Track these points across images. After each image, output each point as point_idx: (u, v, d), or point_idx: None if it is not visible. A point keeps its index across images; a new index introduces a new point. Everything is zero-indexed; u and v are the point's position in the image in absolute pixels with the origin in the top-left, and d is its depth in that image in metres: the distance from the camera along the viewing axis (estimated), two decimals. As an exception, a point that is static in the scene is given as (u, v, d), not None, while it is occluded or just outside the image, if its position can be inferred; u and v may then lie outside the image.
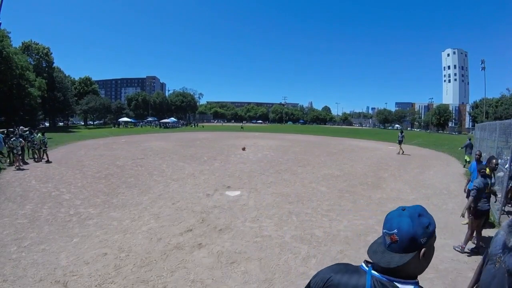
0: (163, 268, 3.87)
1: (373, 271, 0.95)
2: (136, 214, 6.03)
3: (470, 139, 14.33)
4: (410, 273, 0.92)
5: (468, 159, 13.47)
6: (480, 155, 6.31)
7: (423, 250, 0.91)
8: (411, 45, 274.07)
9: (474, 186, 4.52)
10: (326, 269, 1.04)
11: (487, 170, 5.18)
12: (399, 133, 18.91)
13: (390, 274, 0.92)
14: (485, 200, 4.48)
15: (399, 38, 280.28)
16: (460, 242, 4.65)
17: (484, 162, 6.02)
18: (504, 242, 1.73)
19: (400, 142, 18.36)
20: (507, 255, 1.69)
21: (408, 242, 0.91)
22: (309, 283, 1.06)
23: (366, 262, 1.00)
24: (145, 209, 6.38)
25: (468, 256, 4.40)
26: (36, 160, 12.68)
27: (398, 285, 0.90)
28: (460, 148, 15.49)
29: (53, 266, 3.85)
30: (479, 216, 4.54)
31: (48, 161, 12.45)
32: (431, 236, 0.93)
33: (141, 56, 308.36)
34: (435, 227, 0.96)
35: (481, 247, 4.52)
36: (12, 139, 11.51)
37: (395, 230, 0.93)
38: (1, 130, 14.74)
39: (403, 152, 18.00)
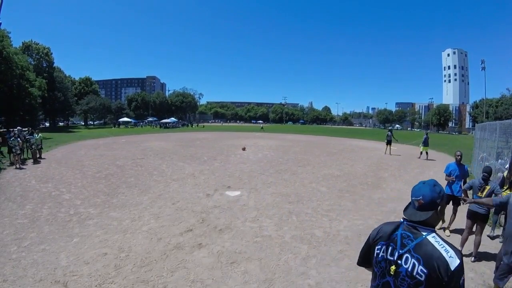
0: (163, 268, 3.87)
1: (405, 222, 1.47)
2: (136, 214, 6.03)
3: (427, 134, 17.13)
4: (430, 224, 1.42)
5: (422, 150, 16.43)
6: (461, 156, 5.78)
7: (438, 208, 1.42)
8: (411, 45, 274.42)
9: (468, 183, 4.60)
10: (380, 224, 1.60)
11: None
12: (388, 133, 18.61)
13: (416, 223, 1.42)
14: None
15: (399, 38, 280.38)
16: (459, 241, 4.65)
17: (466, 166, 5.81)
18: None
19: (388, 142, 18.07)
20: None
21: (429, 204, 1.41)
22: (369, 236, 1.59)
23: (403, 218, 1.50)
24: (145, 209, 6.38)
25: (467, 256, 4.40)
26: (35, 161, 12.61)
27: (419, 229, 1.40)
28: (420, 145, 17.43)
29: (53, 266, 3.85)
30: (468, 216, 4.54)
31: (37, 161, 12.44)
32: (443, 198, 1.44)
33: (141, 56, 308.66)
34: (444, 192, 1.47)
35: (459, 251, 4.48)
36: (11, 139, 11.52)
37: (421, 197, 1.42)
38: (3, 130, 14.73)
39: (390, 152, 17.79)
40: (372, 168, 12.35)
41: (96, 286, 3.42)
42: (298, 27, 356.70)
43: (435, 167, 13.19)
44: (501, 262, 3.22)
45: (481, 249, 4.42)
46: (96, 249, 4.39)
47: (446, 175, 5.82)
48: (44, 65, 47.08)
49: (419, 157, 16.26)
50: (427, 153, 16.30)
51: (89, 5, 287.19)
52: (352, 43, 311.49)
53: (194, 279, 3.61)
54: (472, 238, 4.51)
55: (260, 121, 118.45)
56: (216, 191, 8.00)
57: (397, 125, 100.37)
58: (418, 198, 1.42)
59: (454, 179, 5.56)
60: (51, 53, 48.41)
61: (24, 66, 31.59)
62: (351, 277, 3.72)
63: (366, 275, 3.79)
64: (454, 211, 5.53)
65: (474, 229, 4.55)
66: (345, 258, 4.26)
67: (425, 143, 16.26)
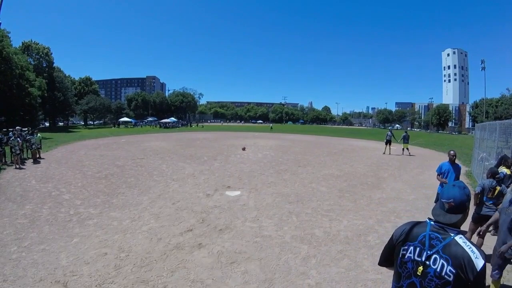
0: (163, 268, 3.87)
1: (432, 222, 1.49)
2: (136, 214, 6.03)
3: (406, 132, 18.82)
4: (456, 224, 1.44)
5: (403, 147, 18.03)
6: (454, 156, 5.53)
7: (467, 210, 1.45)
8: (411, 45, 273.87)
9: (479, 185, 4.45)
10: (403, 224, 1.60)
11: (508, 171, 5.01)
12: (388, 132, 18.58)
13: (444, 224, 1.44)
14: (490, 205, 4.27)
15: (399, 38, 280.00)
16: None
17: (459, 166, 5.62)
18: (510, 199, 2.94)
19: (388, 142, 18.06)
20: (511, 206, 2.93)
21: (460, 206, 1.43)
22: (392, 236, 1.59)
23: (429, 219, 1.53)
24: (145, 209, 6.38)
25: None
26: (35, 161, 12.63)
27: (447, 230, 1.42)
28: (398, 141, 18.91)
29: (53, 266, 3.85)
30: (476, 221, 4.42)
31: (36, 161, 12.51)
32: (470, 200, 1.46)
33: (141, 56, 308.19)
34: (470, 193, 1.51)
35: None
36: (11, 138, 11.57)
37: (452, 200, 1.44)
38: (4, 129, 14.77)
39: (389, 152, 17.80)
40: (372, 168, 12.35)
41: (96, 286, 3.42)
42: (298, 27, 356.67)
43: (435, 167, 13.17)
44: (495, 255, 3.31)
45: (483, 249, 4.41)
46: (96, 249, 4.39)
47: (438, 174, 5.60)
48: (44, 65, 47.00)
49: (402, 153, 17.63)
50: (408, 149, 17.92)
51: (89, 5, 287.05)
52: (352, 43, 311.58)
53: (194, 279, 3.61)
54: (472, 238, 4.51)
55: (260, 121, 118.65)
56: (216, 191, 8.00)
57: (397, 125, 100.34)
58: (449, 201, 1.45)
59: (447, 181, 5.28)
60: (51, 53, 48.37)
61: (24, 66, 31.54)
62: (351, 277, 3.72)
63: (366, 275, 3.79)
64: None
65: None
66: (345, 258, 4.26)
67: (405, 140, 17.88)
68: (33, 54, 45.64)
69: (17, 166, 11.06)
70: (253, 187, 8.58)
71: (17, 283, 3.44)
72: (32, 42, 46.20)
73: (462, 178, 10.79)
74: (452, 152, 5.61)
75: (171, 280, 3.59)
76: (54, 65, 50.19)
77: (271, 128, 52.72)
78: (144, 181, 9.17)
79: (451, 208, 1.44)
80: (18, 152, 11.40)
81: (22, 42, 45.23)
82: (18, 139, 11.64)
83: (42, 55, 46.73)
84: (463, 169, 12.61)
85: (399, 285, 1.52)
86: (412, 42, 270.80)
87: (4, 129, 13.70)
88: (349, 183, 9.41)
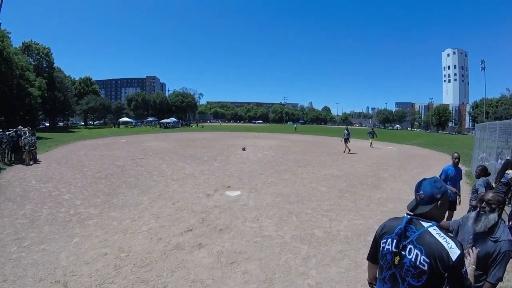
0: (163, 268, 3.87)
1: (409, 216, 1.55)
2: (136, 214, 6.03)
3: (372, 129, 22.83)
4: (433, 217, 1.50)
5: (371, 141, 21.54)
6: (458, 159, 5.25)
7: (439, 202, 1.49)
8: (411, 45, 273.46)
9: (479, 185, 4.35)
10: (385, 221, 1.70)
11: None
12: (345, 131, 18.15)
13: (418, 216, 1.52)
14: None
15: (399, 38, 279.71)
16: None
17: (460, 168, 5.53)
18: (473, 229, 2.63)
19: (346, 140, 17.80)
20: (473, 237, 2.61)
21: (429, 198, 1.50)
22: (375, 233, 1.69)
23: (407, 213, 1.58)
24: (145, 209, 6.38)
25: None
26: (35, 161, 12.69)
27: (421, 221, 1.49)
28: (366, 134, 23.14)
29: (53, 266, 3.86)
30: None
31: (36, 161, 12.79)
32: (444, 194, 1.51)
33: (141, 56, 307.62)
34: (446, 188, 1.55)
35: None
36: (22, 137, 12.23)
37: (421, 192, 1.53)
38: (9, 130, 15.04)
39: (349, 150, 17.59)
40: (372, 168, 12.35)
41: (96, 286, 3.42)
42: (298, 27, 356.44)
43: (435, 167, 13.19)
44: None
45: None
46: (96, 249, 4.39)
47: (444, 179, 5.20)
48: (44, 65, 46.93)
49: (370, 147, 21.17)
50: (372, 143, 21.52)
51: (89, 5, 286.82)
52: (352, 43, 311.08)
53: (194, 279, 3.62)
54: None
55: (260, 121, 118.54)
56: (216, 191, 8.00)
57: (397, 125, 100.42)
58: (419, 193, 1.54)
59: (457, 192, 5.08)
60: (51, 53, 48.33)
61: (24, 66, 31.52)
62: (351, 277, 3.72)
63: (366, 275, 3.79)
64: (450, 216, 5.07)
65: None
66: (345, 258, 4.26)
67: (371, 136, 21.45)
68: (33, 54, 45.57)
69: (29, 162, 11.83)
70: (253, 187, 8.58)
71: (17, 283, 3.45)
72: (32, 42, 46.13)
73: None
74: (455, 154, 5.32)
75: (171, 280, 3.59)
76: (54, 65, 50.14)
77: (295, 129, 50.46)
78: (144, 181, 9.17)
79: (421, 199, 1.53)
80: (31, 148, 12.31)
81: (22, 42, 45.18)
82: (27, 134, 12.54)
83: (42, 55, 46.67)
84: (463, 169, 12.63)
85: (382, 277, 1.59)
86: (412, 42, 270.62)
87: (4, 129, 13.84)
88: (349, 183, 9.41)
